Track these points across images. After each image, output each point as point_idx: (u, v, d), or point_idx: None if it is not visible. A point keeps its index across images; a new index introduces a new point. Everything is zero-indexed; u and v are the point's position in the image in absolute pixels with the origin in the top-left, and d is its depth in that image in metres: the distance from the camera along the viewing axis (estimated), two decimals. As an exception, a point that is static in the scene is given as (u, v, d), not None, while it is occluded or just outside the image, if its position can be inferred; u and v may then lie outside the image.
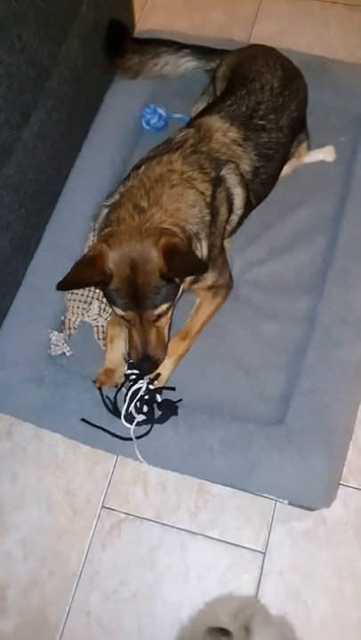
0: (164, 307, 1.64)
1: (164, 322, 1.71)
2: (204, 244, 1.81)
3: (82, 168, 2.23)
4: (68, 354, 1.99)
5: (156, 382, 1.82)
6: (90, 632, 1.87)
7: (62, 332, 2.02)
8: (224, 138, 1.91)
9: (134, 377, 1.81)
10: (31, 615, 1.90)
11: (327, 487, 1.78)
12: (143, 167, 1.81)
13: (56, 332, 2.00)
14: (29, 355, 1.96)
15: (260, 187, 2.04)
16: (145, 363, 1.71)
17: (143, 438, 1.78)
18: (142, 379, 1.79)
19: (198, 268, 1.67)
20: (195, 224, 1.75)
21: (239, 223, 2.07)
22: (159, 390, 1.81)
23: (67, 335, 2.01)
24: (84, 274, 1.59)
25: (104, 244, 1.60)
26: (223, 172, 1.89)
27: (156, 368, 1.78)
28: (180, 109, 2.39)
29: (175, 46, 2.32)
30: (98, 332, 2.01)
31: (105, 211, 1.86)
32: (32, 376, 1.93)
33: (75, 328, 2.02)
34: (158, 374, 1.86)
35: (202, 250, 1.80)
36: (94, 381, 1.86)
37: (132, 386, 1.79)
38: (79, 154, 2.24)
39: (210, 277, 1.92)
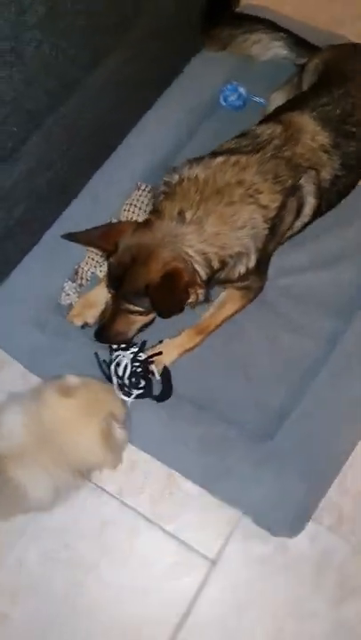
0: (137, 308, 1.64)
1: (138, 319, 1.72)
2: (253, 258, 1.72)
3: (145, 127, 2.16)
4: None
5: (153, 366, 1.81)
6: (17, 582, 1.84)
7: (75, 281, 1.97)
8: (312, 142, 1.77)
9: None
10: None
11: (297, 517, 1.70)
12: (219, 160, 1.69)
13: (70, 282, 1.96)
14: (39, 297, 1.94)
15: (334, 196, 1.90)
16: (101, 334, 1.75)
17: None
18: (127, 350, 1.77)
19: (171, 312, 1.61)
20: (237, 246, 1.67)
21: (301, 230, 1.93)
22: (149, 360, 1.79)
23: (78, 285, 1.97)
24: (97, 234, 1.64)
25: (135, 225, 1.63)
26: (302, 181, 1.75)
27: (110, 343, 1.79)
28: (260, 93, 2.27)
29: (270, 28, 2.20)
30: (108, 289, 1.96)
31: (160, 189, 1.78)
32: (35, 319, 1.91)
33: (87, 279, 1.98)
34: (159, 353, 1.82)
35: (248, 263, 1.73)
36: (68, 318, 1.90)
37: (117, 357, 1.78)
38: (146, 113, 2.17)
39: (249, 279, 1.82)
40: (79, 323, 1.90)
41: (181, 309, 1.64)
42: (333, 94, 1.85)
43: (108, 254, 1.66)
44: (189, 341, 1.86)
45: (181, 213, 1.60)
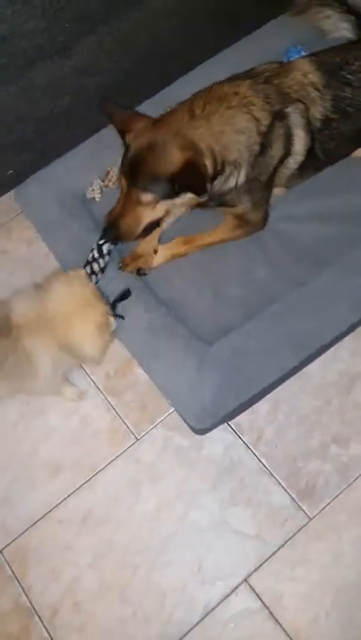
0: (150, 197, 1.78)
1: (145, 214, 1.84)
2: (243, 173, 1.88)
3: (204, 71, 2.34)
4: (97, 199, 2.25)
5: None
6: None
7: (103, 180, 2.28)
8: (302, 78, 1.92)
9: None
10: None
11: (205, 410, 1.85)
12: (217, 84, 1.89)
13: (99, 180, 2.27)
14: (70, 184, 2.24)
15: (329, 141, 1.99)
16: (109, 230, 1.89)
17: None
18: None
19: (198, 190, 1.75)
20: (235, 151, 1.83)
21: (300, 174, 2.07)
22: None
23: (104, 185, 2.27)
24: (121, 117, 1.85)
25: (151, 120, 1.82)
26: (289, 110, 1.89)
27: (117, 241, 1.94)
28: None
29: (343, 7, 2.25)
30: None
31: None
32: (60, 199, 2.21)
33: (114, 182, 2.27)
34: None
35: (238, 177, 1.88)
36: (120, 267, 2.05)
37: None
38: (209, 59, 2.35)
39: (241, 206, 2.00)
40: (132, 271, 2.05)
41: (204, 190, 1.76)
42: (340, 47, 2.02)
43: (122, 137, 1.82)
44: (176, 247, 2.06)
45: (191, 110, 1.78)
